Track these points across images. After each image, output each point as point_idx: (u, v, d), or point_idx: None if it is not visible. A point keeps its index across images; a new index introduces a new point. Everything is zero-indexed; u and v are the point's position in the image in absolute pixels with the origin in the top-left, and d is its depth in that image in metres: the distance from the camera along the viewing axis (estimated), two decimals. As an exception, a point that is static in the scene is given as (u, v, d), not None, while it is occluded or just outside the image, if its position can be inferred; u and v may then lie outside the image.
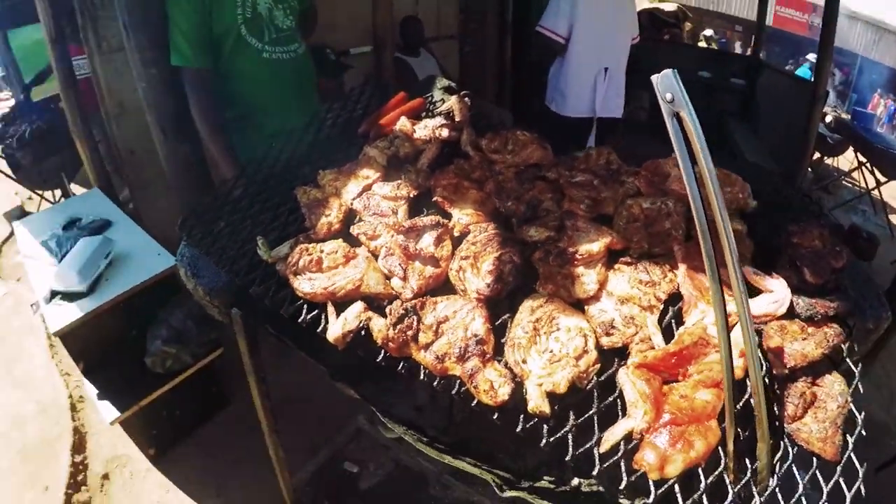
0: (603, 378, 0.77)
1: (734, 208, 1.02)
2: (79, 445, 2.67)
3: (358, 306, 0.87)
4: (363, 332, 0.87)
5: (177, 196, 2.37)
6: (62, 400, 2.91)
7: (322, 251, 0.96)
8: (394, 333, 0.82)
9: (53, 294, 2.07)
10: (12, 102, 8.77)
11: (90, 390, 2.16)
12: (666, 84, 0.55)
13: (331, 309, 0.90)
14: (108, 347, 2.18)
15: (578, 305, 0.87)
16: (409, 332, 0.82)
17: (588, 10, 3.01)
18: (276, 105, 2.04)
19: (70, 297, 2.04)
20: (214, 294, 1.08)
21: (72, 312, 1.99)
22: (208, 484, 2.34)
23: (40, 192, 5.17)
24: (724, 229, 0.53)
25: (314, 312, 0.92)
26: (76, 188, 4.90)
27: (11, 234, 5.81)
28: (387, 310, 0.87)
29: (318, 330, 0.89)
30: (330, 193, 1.14)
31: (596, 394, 0.76)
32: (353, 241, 1.03)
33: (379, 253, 0.97)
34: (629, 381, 0.70)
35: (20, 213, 6.08)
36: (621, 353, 0.80)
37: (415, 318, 0.83)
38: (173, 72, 1.96)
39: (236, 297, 1.07)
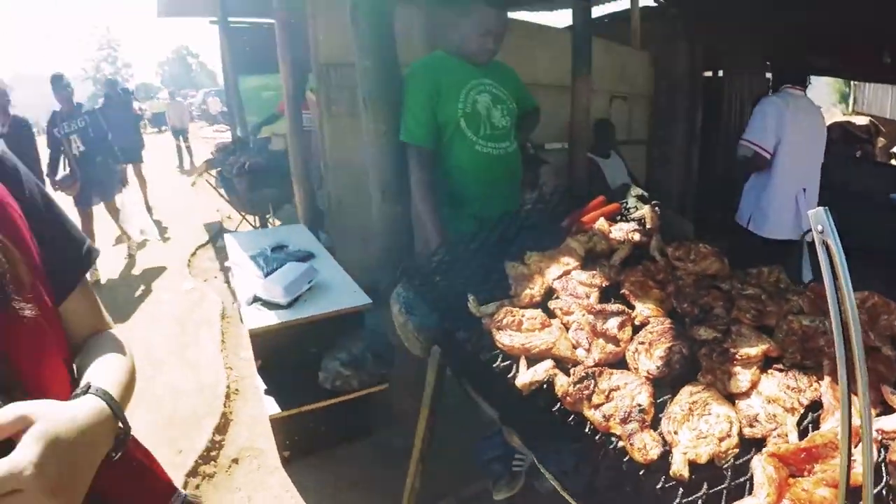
0: (738, 462, 0.92)
1: (887, 335, 1.12)
2: (222, 427, 3.04)
3: (548, 363, 1.10)
4: (545, 386, 1.10)
5: (375, 248, 2.73)
6: (220, 387, 3.34)
7: (524, 315, 1.21)
8: (573, 390, 1.04)
9: (256, 300, 2.48)
10: (228, 135, 10.20)
11: (260, 384, 2.51)
12: (818, 218, 0.74)
13: (523, 361, 1.13)
14: (288, 355, 2.48)
15: (730, 398, 1.03)
16: (586, 392, 1.03)
17: (794, 125, 3.08)
18: (482, 193, 2.31)
19: (270, 306, 2.42)
20: (422, 331, 1.37)
21: (269, 318, 2.35)
22: (325, 498, 2.51)
23: (244, 215, 5.98)
24: (856, 352, 0.70)
25: (507, 363, 1.17)
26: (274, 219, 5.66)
27: (206, 242, 6.75)
28: (571, 371, 1.09)
29: (509, 376, 1.14)
30: (534, 271, 1.40)
31: (729, 473, 0.90)
32: (549, 314, 1.27)
33: (570, 326, 1.20)
34: (760, 466, 0.85)
35: (219, 228, 7.04)
36: (759, 445, 0.94)
37: (592, 381, 1.04)
38: (399, 145, 2.33)
39: (440, 338, 1.36)
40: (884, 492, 0.80)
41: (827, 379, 0.96)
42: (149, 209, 8.06)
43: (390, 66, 2.40)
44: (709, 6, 5.26)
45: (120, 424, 0.72)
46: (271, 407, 2.39)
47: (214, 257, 6.36)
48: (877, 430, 0.87)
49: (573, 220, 1.72)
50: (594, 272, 1.40)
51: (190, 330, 4.33)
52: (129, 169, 7.41)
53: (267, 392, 2.44)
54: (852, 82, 15.33)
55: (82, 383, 0.73)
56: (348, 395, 2.44)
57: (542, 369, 1.09)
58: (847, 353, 0.68)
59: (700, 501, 0.86)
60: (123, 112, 7.87)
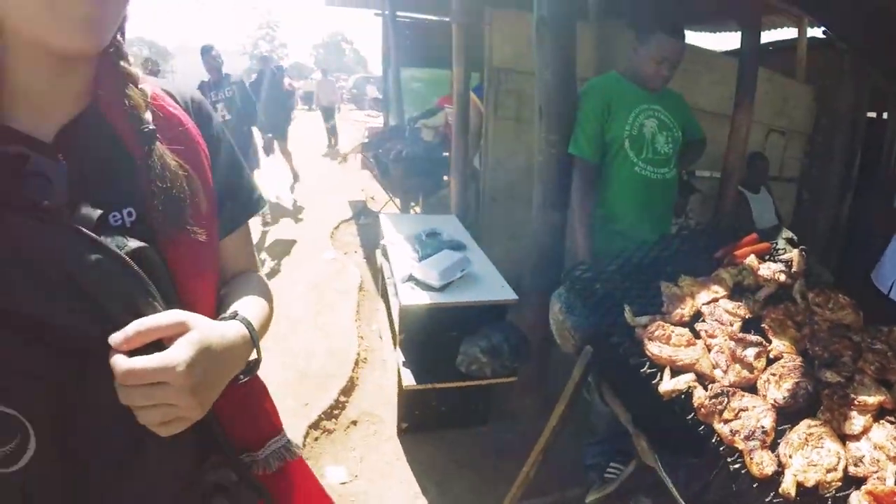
0: (839, 494, 1.05)
1: None
2: (346, 390, 3.33)
3: (690, 376, 1.29)
4: (683, 396, 1.30)
5: (527, 248, 3.01)
6: (350, 353, 3.67)
7: (673, 331, 1.41)
8: (708, 403, 1.22)
9: (411, 279, 2.74)
10: (380, 121, 10.81)
11: (388, 356, 2.80)
12: None
13: (667, 371, 1.34)
14: (430, 334, 2.69)
15: (842, 438, 1.16)
16: (719, 407, 1.21)
17: None
18: (634, 213, 2.49)
19: (423, 286, 2.67)
20: (578, 330, 1.60)
21: (421, 297, 2.61)
22: (433, 473, 2.72)
23: (392, 198, 6.43)
24: None
25: (653, 370, 1.38)
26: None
27: (350, 218, 7.29)
28: (708, 386, 1.28)
29: (653, 382, 1.34)
30: (686, 293, 1.58)
31: (829, 502, 1.05)
32: (694, 334, 1.45)
33: (712, 348, 1.38)
34: (857, 501, 0.99)
35: (363, 207, 7.57)
36: (859, 483, 1.07)
37: (726, 399, 1.22)
38: (566, 156, 2.55)
39: (594, 339, 1.58)
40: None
41: None
42: (295, 176, 8.66)
43: (568, 80, 2.61)
44: (881, 43, 5.01)
45: (255, 353, 0.82)
46: (407, 378, 2.63)
47: (356, 233, 6.83)
48: None
49: (726, 253, 1.88)
50: (740, 304, 1.56)
51: (328, 297, 4.74)
52: (276, 144, 7.89)
53: (405, 364, 2.69)
54: None
55: (230, 310, 0.83)
56: (479, 381, 2.65)
57: (684, 380, 1.29)
58: None
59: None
60: (274, 87, 8.18)
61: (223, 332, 0.74)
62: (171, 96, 0.87)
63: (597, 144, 2.48)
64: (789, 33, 6.06)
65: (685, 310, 1.52)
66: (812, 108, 5.31)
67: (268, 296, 0.95)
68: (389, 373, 3.47)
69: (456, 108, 4.15)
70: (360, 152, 7.76)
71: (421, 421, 2.95)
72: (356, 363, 3.68)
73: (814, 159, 5.41)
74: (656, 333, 1.41)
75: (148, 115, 0.79)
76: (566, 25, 2.62)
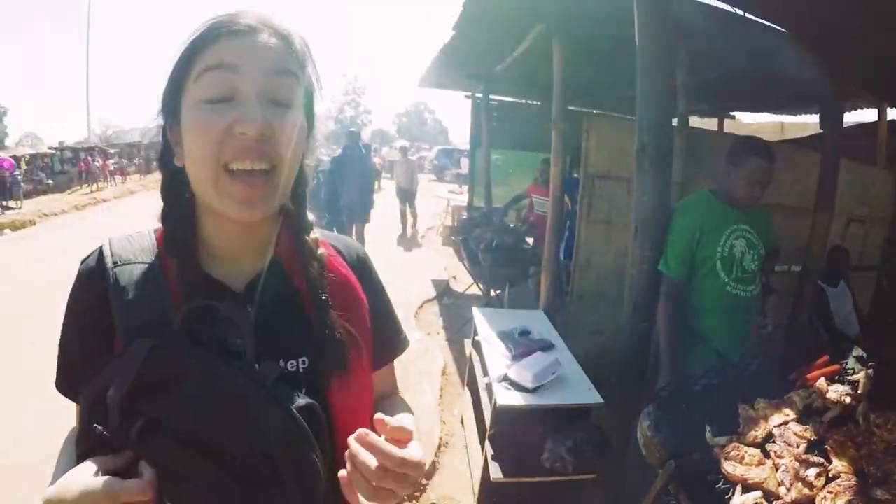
0: None
1: None
2: (428, 473, 3.65)
3: (757, 493, 1.60)
4: (753, 511, 1.63)
5: (612, 351, 3.36)
6: (434, 437, 3.98)
7: (746, 451, 1.73)
8: None
9: (505, 378, 3.04)
10: (464, 199, 11.26)
11: (488, 450, 3.03)
12: None
13: (738, 489, 1.66)
14: (519, 431, 2.96)
15: None
16: None
17: None
18: (724, 329, 2.76)
19: (517, 387, 2.94)
20: (664, 446, 1.93)
21: (515, 398, 2.87)
22: None
23: (478, 283, 6.86)
24: None
25: (727, 486, 1.69)
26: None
27: (433, 298, 7.73)
28: (773, 503, 1.60)
29: (727, 496, 1.67)
30: (760, 416, 1.89)
31: None
32: (764, 453, 1.76)
33: (779, 467, 1.68)
34: None
35: (445, 287, 8.01)
36: None
37: None
38: (657, 270, 2.86)
39: (677, 454, 1.92)
40: None
41: None
42: None
43: (664, 203, 2.96)
44: None
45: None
46: (495, 472, 2.87)
47: (438, 313, 7.22)
48: None
49: (799, 376, 2.19)
50: (807, 427, 1.86)
51: (413, 377, 5.10)
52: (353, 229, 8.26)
53: (493, 458, 2.93)
54: None
55: None
56: (560, 477, 2.87)
57: (752, 497, 1.60)
58: None
59: None
60: (360, 167, 8.21)
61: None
62: (340, 253, 1.07)
63: (685, 264, 2.78)
64: (868, 115, 6.25)
65: (758, 432, 1.84)
66: (893, 194, 5.40)
67: (411, 412, 1.12)
68: (472, 461, 3.69)
69: (551, 210, 4.55)
70: (449, 234, 8.23)
71: None
72: (438, 447, 3.99)
73: (895, 246, 5.51)
74: (731, 454, 1.74)
75: (324, 283, 0.97)
76: (664, 155, 3.00)
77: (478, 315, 4.06)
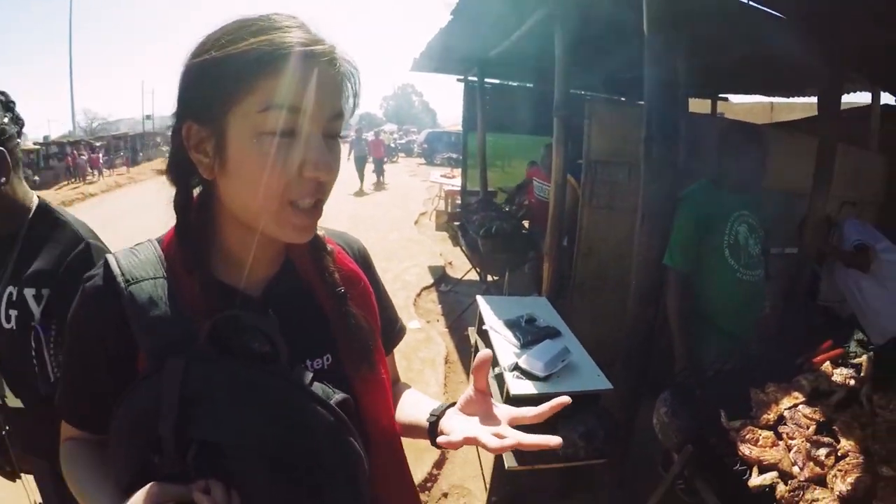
0: None
1: None
2: (439, 463, 3.80)
3: (773, 473, 1.74)
4: (767, 490, 1.75)
5: (604, 331, 3.54)
6: None
7: (760, 434, 1.87)
8: (788, 495, 1.65)
9: (516, 367, 3.15)
10: (457, 184, 11.39)
11: None
12: None
13: (755, 469, 1.80)
14: None
15: None
16: (796, 499, 1.65)
17: None
18: (736, 314, 2.91)
19: (528, 375, 3.05)
20: (681, 431, 2.06)
21: (527, 387, 2.97)
22: None
23: (477, 269, 6.96)
24: None
25: (743, 467, 1.83)
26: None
27: (431, 285, 7.82)
28: (788, 481, 1.73)
29: (744, 477, 1.80)
30: (771, 399, 2.04)
31: None
32: (777, 435, 1.90)
33: (791, 448, 1.82)
34: None
35: (442, 273, 8.11)
36: None
37: (802, 492, 1.65)
38: (662, 258, 2.97)
39: (695, 438, 2.05)
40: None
41: None
42: None
43: (670, 192, 3.05)
44: None
45: None
46: (509, 460, 2.95)
47: (437, 300, 7.33)
48: None
49: (806, 360, 2.33)
50: (816, 408, 2.01)
51: (416, 367, 5.21)
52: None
53: None
54: None
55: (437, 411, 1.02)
56: (572, 463, 2.97)
57: (770, 476, 1.74)
58: None
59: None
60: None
61: None
62: (343, 248, 1.11)
63: (690, 255, 2.92)
64: (861, 98, 6.48)
65: (770, 415, 1.99)
66: (885, 177, 5.68)
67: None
68: (481, 449, 3.85)
69: (553, 197, 4.64)
70: (446, 220, 8.32)
71: (510, 495, 3.27)
72: (445, 439, 4.13)
73: (886, 228, 5.66)
74: (746, 437, 1.88)
75: (337, 277, 1.02)
76: (671, 145, 3.10)
77: (482, 303, 4.14)
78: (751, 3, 3.66)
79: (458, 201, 10.51)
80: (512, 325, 3.68)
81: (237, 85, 0.79)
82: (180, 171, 0.91)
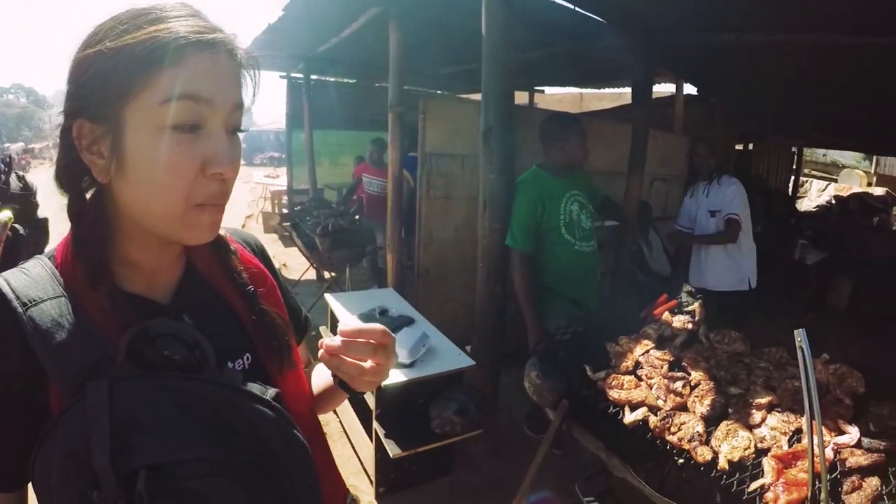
0: (755, 461, 1.73)
1: (848, 391, 1.96)
2: None
3: (643, 409, 1.99)
4: (641, 423, 2.01)
5: (451, 313, 3.81)
6: (333, 427, 4.08)
7: (624, 379, 2.13)
8: (659, 424, 1.89)
9: None
10: (282, 183, 11.18)
11: (379, 429, 3.10)
12: (800, 336, 1.52)
13: (627, 409, 2.05)
14: (403, 405, 3.17)
15: (749, 427, 1.86)
16: (667, 425, 1.90)
17: None
18: (575, 283, 3.24)
19: (395, 364, 3.14)
20: (554, 390, 2.27)
21: (397, 376, 3.05)
22: None
23: (316, 268, 6.94)
24: (815, 404, 1.54)
25: (616, 409, 2.08)
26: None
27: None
28: (656, 413, 1.98)
29: (619, 417, 2.04)
30: (626, 350, 2.32)
31: (750, 467, 1.71)
32: (638, 378, 2.17)
33: (652, 386, 2.10)
34: (767, 462, 1.65)
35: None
36: (765, 452, 1.74)
37: (670, 419, 1.91)
38: (505, 240, 3.26)
39: (567, 394, 2.28)
40: (838, 475, 1.64)
41: (805, 416, 1.73)
42: None
43: (509, 179, 3.34)
44: (743, 98, 6.27)
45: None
46: (393, 448, 3.04)
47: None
48: (833, 444, 1.72)
49: (648, 313, 2.68)
50: (664, 351, 2.33)
51: None
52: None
53: (386, 436, 3.10)
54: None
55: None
56: (451, 439, 3.15)
57: (641, 412, 2.00)
58: (811, 405, 1.54)
59: (734, 481, 1.70)
60: None
61: None
62: (243, 245, 1.09)
63: (531, 236, 3.20)
64: (666, 88, 7.37)
65: (628, 362, 2.27)
66: (687, 155, 6.54)
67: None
68: (356, 444, 3.88)
69: (391, 189, 4.76)
70: (279, 222, 8.18)
71: (396, 482, 3.39)
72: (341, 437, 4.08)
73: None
74: (612, 383, 2.14)
75: (245, 276, 0.99)
76: (508, 135, 3.37)
77: (332, 300, 4.21)
78: (577, 8, 4.04)
79: (285, 200, 10.38)
80: (367, 318, 3.75)
81: (135, 77, 0.74)
82: (72, 175, 0.82)
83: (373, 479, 3.41)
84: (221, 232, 0.98)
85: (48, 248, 0.88)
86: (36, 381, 0.77)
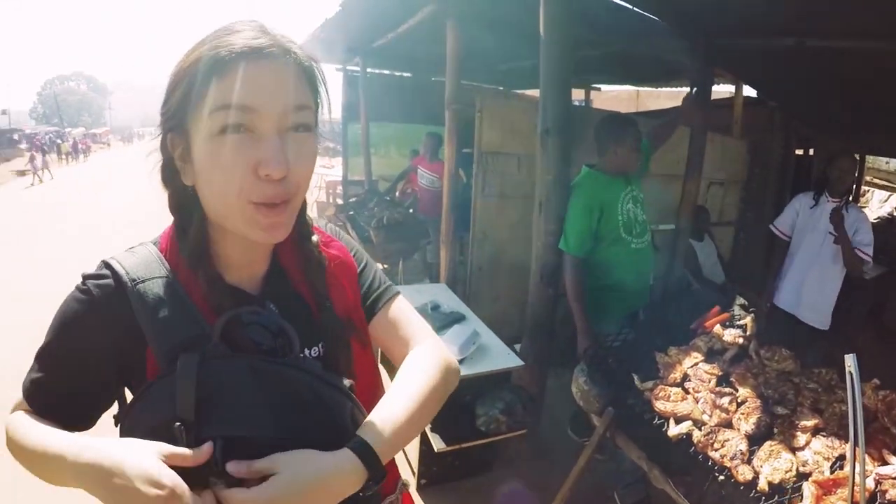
0: (795, 485, 1.74)
1: None
2: None
3: (688, 423, 2.03)
4: (684, 437, 2.05)
5: (503, 310, 3.85)
6: None
7: (670, 391, 2.17)
8: (703, 439, 1.94)
9: None
10: (337, 174, 11.27)
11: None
12: (850, 361, 1.52)
13: (672, 421, 2.09)
14: (451, 401, 3.25)
15: (793, 450, 1.87)
16: (710, 441, 1.94)
17: None
18: (631, 280, 3.24)
19: None
20: (602, 397, 2.33)
21: None
22: None
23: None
24: (860, 431, 1.57)
25: (661, 421, 2.12)
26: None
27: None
28: (700, 428, 2.03)
29: (663, 429, 2.08)
30: (675, 361, 2.35)
31: (789, 490, 1.74)
32: (685, 390, 2.20)
33: (699, 400, 2.13)
34: (807, 487, 1.68)
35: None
36: (807, 477, 1.75)
37: (714, 435, 1.95)
38: (558, 242, 3.27)
39: (614, 401, 2.32)
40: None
41: (849, 443, 1.75)
42: None
43: (565, 181, 3.36)
44: (805, 106, 6.12)
45: (369, 473, 0.85)
46: (438, 443, 3.10)
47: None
48: (876, 474, 1.71)
49: (699, 325, 2.69)
50: (713, 365, 2.35)
51: None
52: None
53: (432, 430, 3.13)
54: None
55: (358, 432, 0.89)
56: (496, 437, 3.19)
57: (686, 426, 2.04)
58: (855, 433, 1.55)
59: (773, 504, 1.76)
60: None
61: (318, 468, 0.80)
62: (327, 232, 1.16)
63: (585, 240, 3.18)
64: (727, 89, 7.17)
65: (676, 374, 2.30)
66: (746, 159, 6.45)
67: (422, 375, 1.10)
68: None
69: (446, 186, 4.82)
70: (334, 213, 8.32)
71: (438, 476, 3.46)
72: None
73: (748, 204, 6.60)
74: (659, 394, 2.18)
75: (324, 285, 1.06)
76: (566, 137, 3.38)
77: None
78: (634, 8, 4.02)
79: (339, 191, 10.52)
80: (419, 312, 3.78)
81: (193, 90, 0.82)
82: (168, 175, 0.93)
83: (415, 470, 3.49)
84: (317, 231, 1.11)
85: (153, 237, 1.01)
86: (135, 348, 0.88)
